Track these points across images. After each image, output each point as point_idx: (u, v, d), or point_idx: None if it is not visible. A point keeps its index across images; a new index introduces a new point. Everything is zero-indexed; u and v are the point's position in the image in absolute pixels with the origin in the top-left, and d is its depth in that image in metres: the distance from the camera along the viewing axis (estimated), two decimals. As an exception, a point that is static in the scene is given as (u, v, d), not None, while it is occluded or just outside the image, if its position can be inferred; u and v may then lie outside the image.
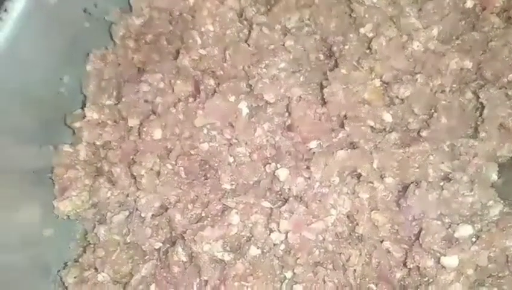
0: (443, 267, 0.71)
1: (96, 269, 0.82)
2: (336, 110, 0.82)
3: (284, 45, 0.87)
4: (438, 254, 0.72)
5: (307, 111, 0.83)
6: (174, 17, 0.95)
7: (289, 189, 0.81)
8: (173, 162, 0.86)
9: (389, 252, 0.77)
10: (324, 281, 0.77)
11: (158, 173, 0.86)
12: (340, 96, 0.81)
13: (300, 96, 0.84)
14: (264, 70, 0.86)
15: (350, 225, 0.79)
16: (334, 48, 0.86)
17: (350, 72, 0.82)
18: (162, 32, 0.95)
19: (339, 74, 0.82)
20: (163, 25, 0.95)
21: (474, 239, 0.71)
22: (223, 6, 0.91)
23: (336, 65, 0.84)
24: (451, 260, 0.70)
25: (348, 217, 0.78)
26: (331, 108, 0.82)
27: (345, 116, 0.82)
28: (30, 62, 0.85)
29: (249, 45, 0.88)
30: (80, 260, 0.84)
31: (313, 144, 0.82)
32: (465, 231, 0.72)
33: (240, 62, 0.88)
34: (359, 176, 0.79)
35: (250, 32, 0.89)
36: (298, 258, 0.77)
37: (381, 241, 0.77)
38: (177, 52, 0.92)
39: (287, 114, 0.85)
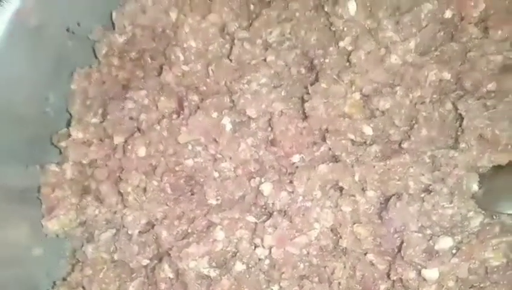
0: (424, 279, 0.72)
1: (84, 288, 0.83)
2: (317, 124, 0.82)
3: (265, 60, 0.87)
4: (419, 267, 0.72)
5: (289, 126, 0.83)
6: (157, 34, 0.95)
7: (273, 203, 0.82)
8: (159, 179, 0.87)
9: (372, 264, 0.78)
10: (311, 295, 0.78)
11: (144, 190, 0.87)
12: (321, 110, 0.81)
13: (281, 111, 0.84)
14: (246, 85, 0.86)
15: (334, 237, 0.79)
16: (315, 62, 0.87)
17: (330, 86, 0.82)
18: (146, 48, 0.96)
19: (319, 88, 0.82)
20: (146, 41, 0.95)
21: (454, 251, 0.71)
22: (205, 22, 0.91)
23: (317, 79, 0.84)
24: (431, 273, 0.71)
25: (331, 230, 0.79)
26: (312, 122, 0.82)
27: (326, 129, 0.82)
28: (14, 82, 0.85)
29: (231, 60, 0.89)
30: (68, 278, 0.85)
31: (295, 158, 0.83)
32: (445, 243, 0.72)
33: (222, 78, 0.89)
34: (341, 189, 0.79)
35: (232, 47, 0.90)
36: (283, 273, 0.78)
37: (365, 254, 0.78)
38: (161, 68, 0.93)
39: (270, 129, 0.86)
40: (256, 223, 0.81)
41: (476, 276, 0.71)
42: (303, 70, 0.88)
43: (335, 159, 0.82)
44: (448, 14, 0.84)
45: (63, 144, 0.90)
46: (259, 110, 0.85)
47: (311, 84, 0.84)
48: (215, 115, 0.86)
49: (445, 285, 0.71)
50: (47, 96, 0.92)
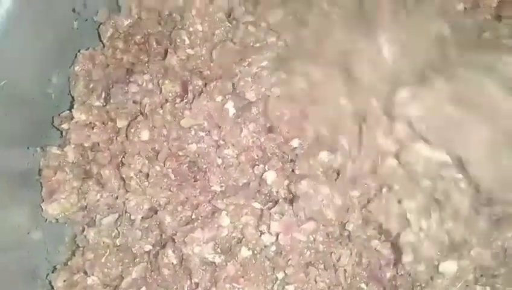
0: (440, 272, 0.71)
1: (85, 272, 0.81)
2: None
3: (267, 43, 0.86)
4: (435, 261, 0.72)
5: (284, 110, 0.82)
6: (163, 17, 0.94)
7: (277, 191, 0.81)
8: (161, 164, 0.85)
9: (378, 251, 0.77)
10: (316, 281, 0.77)
11: (147, 175, 0.85)
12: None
13: (278, 96, 0.83)
14: (246, 68, 0.85)
15: (339, 224, 0.78)
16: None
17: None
18: (151, 32, 0.94)
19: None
20: (152, 25, 0.94)
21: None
22: (212, 6, 0.90)
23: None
24: (449, 266, 0.70)
25: (338, 216, 0.77)
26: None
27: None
28: (18, 62, 0.83)
29: (234, 44, 0.88)
30: (69, 263, 0.83)
31: (295, 143, 0.82)
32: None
33: (226, 61, 0.88)
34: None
35: (236, 30, 0.89)
36: (289, 259, 0.76)
37: (370, 241, 0.77)
38: (166, 53, 0.91)
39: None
40: (262, 209, 0.80)
41: (495, 261, 0.70)
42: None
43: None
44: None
45: (65, 126, 0.88)
46: (259, 93, 0.84)
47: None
48: (219, 99, 0.84)
49: (464, 278, 0.70)
50: (50, 77, 0.90)
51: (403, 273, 0.76)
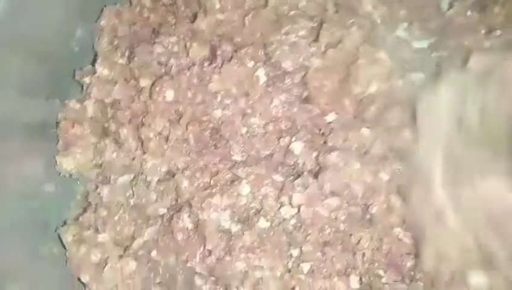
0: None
1: (96, 229, 0.79)
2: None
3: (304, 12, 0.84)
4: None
5: (324, 81, 0.79)
6: (193, -21, 0.91)
7: (303, 163, 0.78)
8: (183, 128, 0.83)
9: (400, 239, 0.74)
10: (332, 262, 0.74)
11: (167, 139, 0.83)
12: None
13: (317, 68, 0.80)
14: (284, 37, 0.82)
15: (363, 205, 0.75)
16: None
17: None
18: (180, -7, 0.92)
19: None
20: (180, -14, 0.91)
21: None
22: (245, -29, 0.87)
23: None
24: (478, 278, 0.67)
25: (363, 197, 0.75)
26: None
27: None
28: (42, 12, 0.81)
29: (268, 11, 0.85)
30: (80, 218, 0.81)
31: (331, 117, 0.79)
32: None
33: (259, 29, 0.85)
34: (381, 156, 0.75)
35: (268, -1, 0.86)
36: (309, 234, 0.74)
37: (393, 228, 0.74)
38: (194, 16, 0.89)
39: (305, 86, 0.82)
40: (283, 182, 0.77)
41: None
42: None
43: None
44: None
45: (86, 80, 0.86)
46: (296, 63, 0.81)
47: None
48: (250, 64, 0.82)
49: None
50: (74, 30, 0.88)
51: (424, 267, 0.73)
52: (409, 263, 0.73)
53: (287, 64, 0.81)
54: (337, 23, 0.82)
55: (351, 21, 0.83)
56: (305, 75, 0.81)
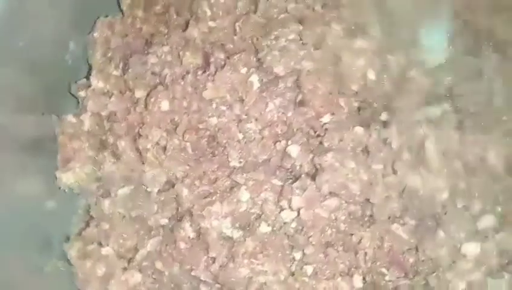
0: (463, 255, 0.69)
1: (100, 243, 0.79)
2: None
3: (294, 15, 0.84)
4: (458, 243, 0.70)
5: (318, 84, 0.80)
6: (184, -13, 0.92)
7: (300, 166, 0.79)
8: (180, 137, 0.83)
9: (399, 235, 0.74)
10: (335, 263, 0.75)
11: (164, 148, 0.83)
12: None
13: (309, 70, 0.81)
14: (274, 41, 0.83)
15: (362, 204, 0.76)
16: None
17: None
18: (171, 2, 0.92)
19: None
20: (172, -6, 0.92)
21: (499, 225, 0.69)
22: (233, -23, 0.88)
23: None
24: (472, 248, 0.68)
25: (360, 194, 0.75)
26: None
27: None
28: (35, 27, 0.81)
29: (258, 16, 0.85)
30: (83, 233, 0.81)
31: (326, 118, 0.80)
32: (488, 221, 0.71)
33: (250, 34, 0.85)
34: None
35: (258, 2, 0.86)
36: (310, 236, 0.74)
37: (392, 223, 0.75)
38: (186, 25, 0.89)
39: (298, 89, 0.82)
40: (282, 185, 0.77)
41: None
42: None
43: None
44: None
45: (82, 93, 0.87)
46: (288, 67, 0.82)
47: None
48: (243, 70, 0.82)
49: (487, 262, 0.68)
50: (67, 44, 0.88)
51: (424, 258, 0.74)
52: (411, 259, 0.74)
53: (279, 69, 0.81)
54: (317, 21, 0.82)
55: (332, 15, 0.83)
56: (297, 79, 0.81)
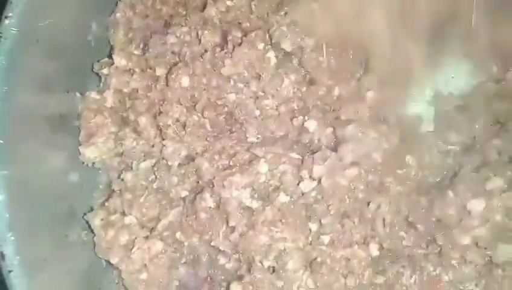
0: (469, 212, 0.71)
1: (123, 212, 0.81)
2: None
3: None
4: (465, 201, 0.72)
5: (320, 58, 0.82)
6: (202, -31, 0.94)
7: (319, 140, 0.81)
8: (199, 114, 0.85)
9: (415, 200, 0.77)
10: (351, 233, 0.77)
11: (184, 125, 0.85)
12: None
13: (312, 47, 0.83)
14: (283, 17, 0.85)
15: (380, 173, 0.77)
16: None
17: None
18: (190, -17, 0.94)
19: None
20: (190, -24, 0.94)
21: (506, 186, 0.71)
22: (250, -43, 0.90)
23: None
24: (477, 204, 0.70)
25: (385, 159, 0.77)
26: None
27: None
28: (58, 7, 0.84)
29: None
30: (106, 204, 0.83)
31: (336, 91, 0.82)
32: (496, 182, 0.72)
33: (265, 12, 0.87)
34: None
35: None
36: (330, 205, 0.76)
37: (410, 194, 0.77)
38: (204, 6, 0.91)
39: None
40: (300, 159, 0.79)
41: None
42: None
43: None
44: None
45: (105, 71, 0.89)
46: (294, 43, 0.83)
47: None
48: (260, 47, 0.84)
49: (491, 219, 0.70)
50: (90, 24, 0.91)
51: (434, 219, 0.76)
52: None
53: (286, 45, 0.83)
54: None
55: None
56: (302, 57, 0.83)
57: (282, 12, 0.85)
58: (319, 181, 0.75)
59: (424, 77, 0.86)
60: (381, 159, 0.76)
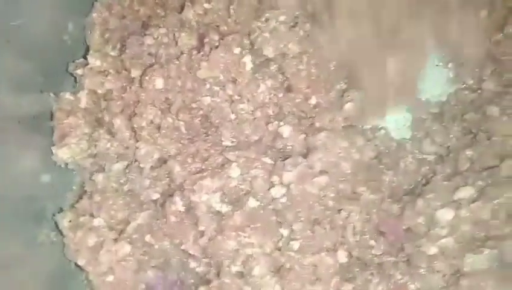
0: (437, 222, 0.71)
1: (91, 214, 0.81)
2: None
3: None
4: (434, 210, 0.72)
5: (300, 66, 0.82)
6: (180, -30, 0.93)
7: (292, 146, 0.81)
8: (174, 116, 0.85)
9: (388, 210, 0.77)
10: (321, 240, 0.76)
11: (158, 127, 0.85)
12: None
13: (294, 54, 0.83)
14: (265, 23, 0.85)
15: (352, 181, 0.77)
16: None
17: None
18: (168, -16, 0.94)
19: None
20: (168, -23, 0.94)
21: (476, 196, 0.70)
22: (229, -41, 0.89)
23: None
24: (446, 214, 0.70)
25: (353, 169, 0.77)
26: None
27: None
28: (33, 7, 0.83)
29: None
30: (76, 205, 0.83)
31: (313, 100, 0.82)
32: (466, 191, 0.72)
33: (243, 17, 0.87)
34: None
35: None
36: (299, 212, 0.76)
37: (382, 203, 0.77)
38: (182, 7, 0.91)
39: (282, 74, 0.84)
40: (272, 164, 0.79)
41: (497, 221, 0.69)
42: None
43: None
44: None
45: (79, 71, 0.88)
46: (277, 49, 0.83)
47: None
48: (236, 51, 0.84)
49: (460, 229, 0.69)
50: (66, 24, 0.90)
51: (404, 227, 0.75)
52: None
53: (269, 51, 0.83)
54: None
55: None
56: (282, 62, 0.83)
57: (263, 19, 0.85)
58: (289, 187, 0.75)
59: (404, 87, 0.86)
60: (351, 169, 0.75)
